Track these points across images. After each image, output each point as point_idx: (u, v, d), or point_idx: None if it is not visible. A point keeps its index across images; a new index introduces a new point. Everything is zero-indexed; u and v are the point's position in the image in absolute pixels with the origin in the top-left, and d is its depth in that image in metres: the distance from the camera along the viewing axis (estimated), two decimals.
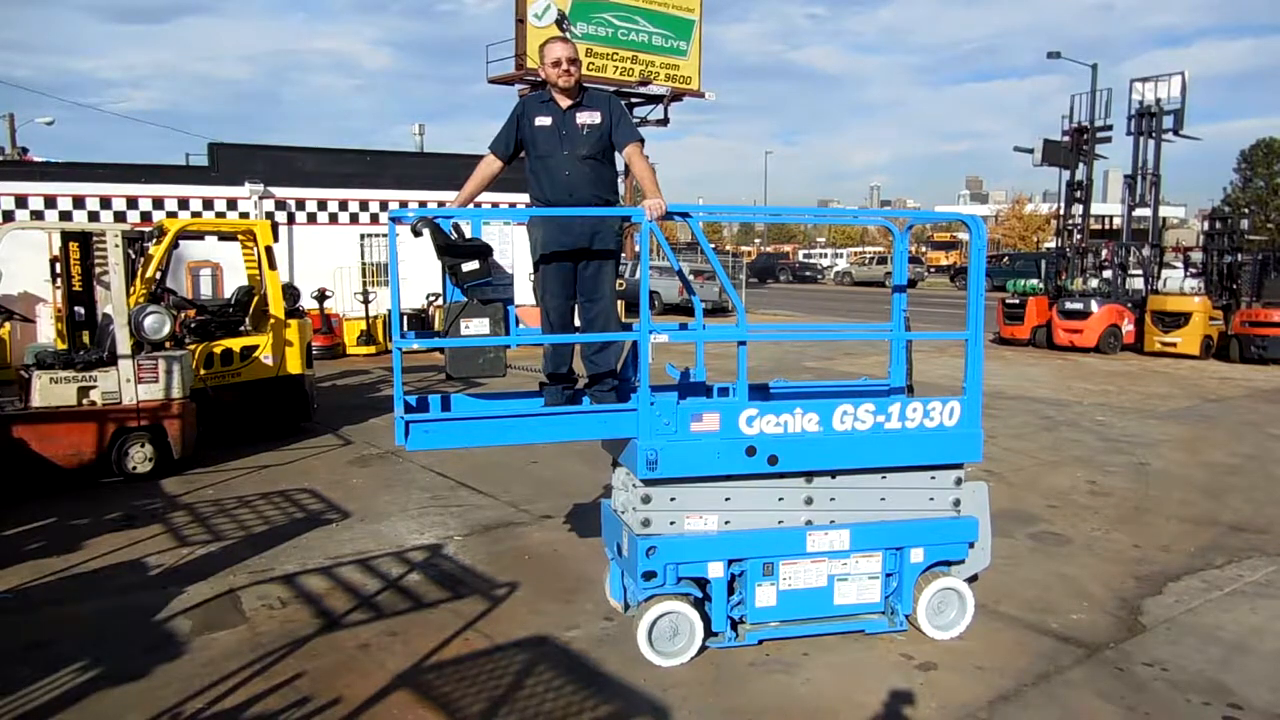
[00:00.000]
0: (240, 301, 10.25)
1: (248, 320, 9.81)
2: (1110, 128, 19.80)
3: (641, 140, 4.59)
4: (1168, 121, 18.87)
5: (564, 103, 4.48)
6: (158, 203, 16.47)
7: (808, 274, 51.20)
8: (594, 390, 4.61)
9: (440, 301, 4.88)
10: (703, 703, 3.91)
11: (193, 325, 9.59)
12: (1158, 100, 18.77)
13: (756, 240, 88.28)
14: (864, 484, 4.41)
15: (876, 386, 4.99)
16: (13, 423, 7.12)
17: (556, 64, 4.42)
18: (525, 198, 4.79)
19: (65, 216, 15.47)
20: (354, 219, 18.52)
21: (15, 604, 4.96)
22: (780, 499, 4.32)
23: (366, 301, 16.27)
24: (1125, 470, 8.09)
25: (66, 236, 7.61)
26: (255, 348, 9.22)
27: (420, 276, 11.33)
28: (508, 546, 5.93)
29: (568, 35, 4.94)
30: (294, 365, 9.36)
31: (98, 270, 7.98)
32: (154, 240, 9.15)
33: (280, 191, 17.61)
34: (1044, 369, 15.00)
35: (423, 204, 16.22)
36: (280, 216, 17.54)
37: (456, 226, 4.34)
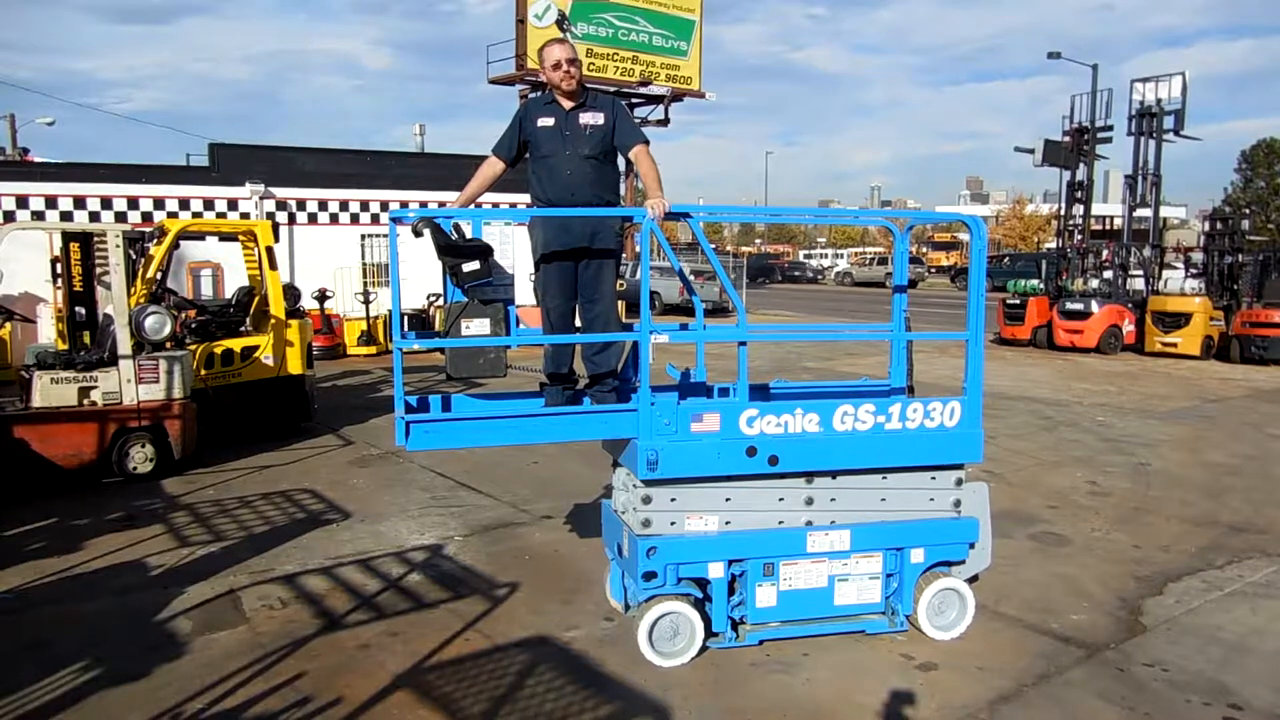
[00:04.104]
0: (241, 302, 10.25)
1: (248, 320, 9.81)
2: (1111, 128, 19.80)
3: (647, 141, 4.59)
4: (1168, 122, 18.87)
5: (567, 104, 4.50)
6: (158, 203, 16.48)
7: (796, 274, 51.13)
8: (594, 391, 4.62)
9: (441, 302, 4.88)
10: (703, 703, 3.91)
11: (193, 325, 9.58)
12: (1158, 100, 18.77)
13: (757, 240, 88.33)
14: (864, 484, 4.41)
15: (877, 387, 4.99)
16: (13, 423, 7.12)
17: (557, 66, 4.43)
18: (526, 198, 4.80)
19: (66, 217, 15.48)
20: (354, 219, 18.53)
21: (15, 604, 4.96)
22: (781, 499, 4.32)
23: (367, 302, 16.27)
24: (1125, 471, 8.09)
25: (67, 237, 7.62)
26: (256, 348, 9.23)
27: (421, 277, 11.32)
28: (508, 547, 5.93)
29: (567, 36, 4.95)
30: (294, 365, 9.36)
31: (98, 271, 7.98)
32: (155, 241, 9.15)
33: (281, 192, 17.63)
34: (1044, 369, 15.00)
35: (423, 204, 16.24)
36: (281, 217, 17.56)
37: (457, 227, 4.35)
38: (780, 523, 4.34)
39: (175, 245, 9.35)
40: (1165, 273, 20.14)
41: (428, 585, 5.27)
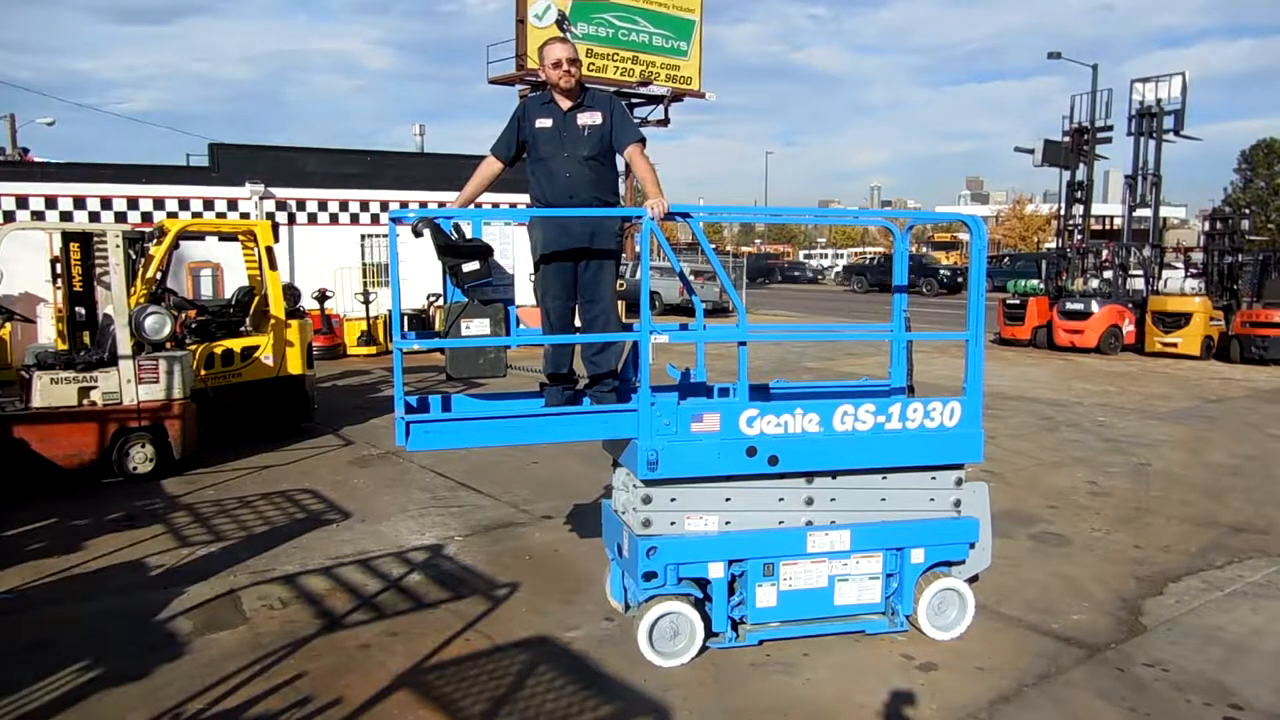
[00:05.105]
0: (241, 302, 10.25)
1: (248, 321, 9.82)
2: (1111, 128, 19.81)
3: (643, 140, 4.58)
4: (1168, 122, 18.88)
5: (565, 104, 4.49)
6: (158, 203, 16.49)
7: (795, 274, 51.05)
8: (594, 391, 4.61)
9: (441, 302, 4.88)
10: (703, 703, 3.91)
11: (193, 326, 9.59)
12: (1158, 100, 18.77)
13: (757, 240, 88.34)
14: (864, 484, 4.41)
15: (877, 387, 4.99)
16: (13, 423, 7.12)
17: (556, 65, 4.42)
18: (526, 198, 4.79)
19: (66, 217, 15.48)
20: (354, 219, 18.53)
21: (15, 604, 4.96)
22: (781, 499, 4.32)
23: (367, 302, 16.27)
24: (1126, 471, 8.09)
25: (67, 237, 7.62)
26: (256, 348, 9.23)
27: (421, 277, 11.35)
28: (508, 547, 5.93)
29: (567, 36, 4.95)
30: (294, 366, 9.36)
31: (98, 271, 7.98)
32: (154, 241, 9.15)
33: (281, 192, 17.63)
34: (1044, 369, 15.00)
35: (423, 204, 16.25)
36: (281, 217, 17.56)
37: (457, 227, 4.35)
38: (780, 523, 4.34)
39: (175, 245, 9.35)
40: (1165, 273, 20.15)
41: (428, 585, 5.27)
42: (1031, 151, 20.22)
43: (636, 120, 4.74)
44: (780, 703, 3.91)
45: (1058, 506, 6.93)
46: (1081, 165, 19.62)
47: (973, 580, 4.68)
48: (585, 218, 4.43)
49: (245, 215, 16.90)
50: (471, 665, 4.23)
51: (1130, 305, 17.60)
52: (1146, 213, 19.63)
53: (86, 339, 7.75)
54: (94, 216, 15.73)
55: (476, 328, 4.15)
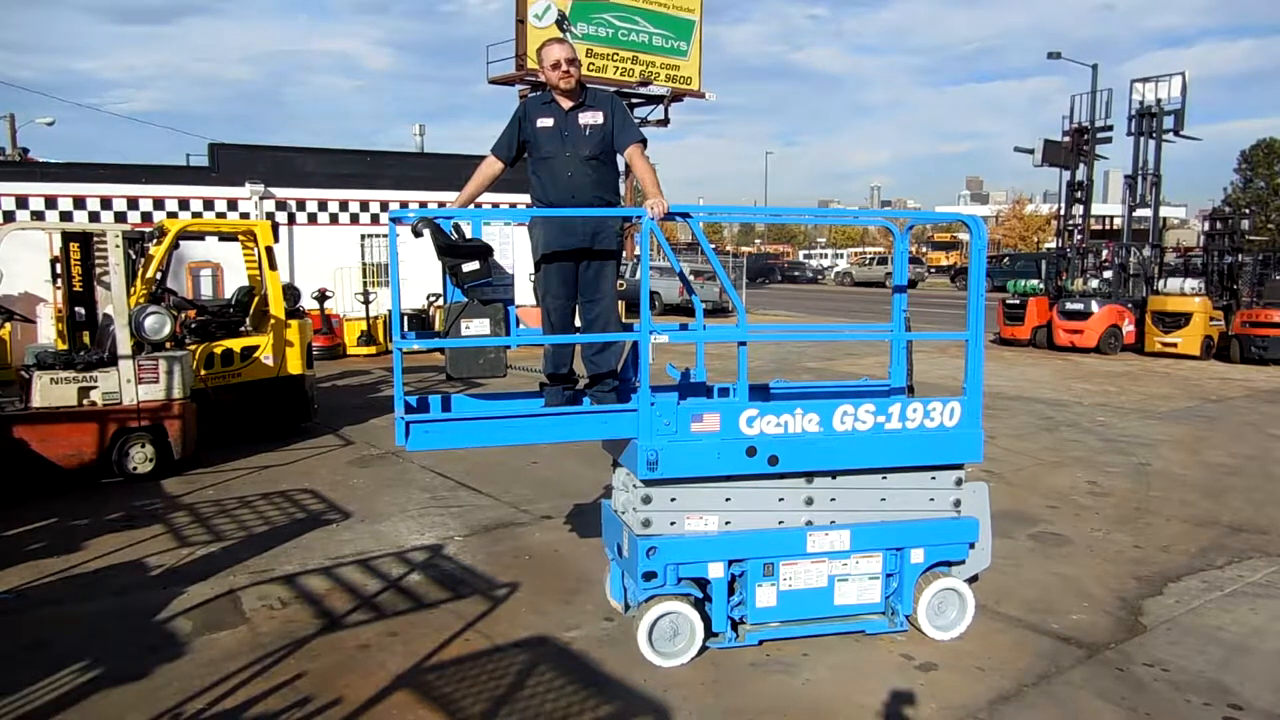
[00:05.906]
0: (240, 302, 10.25)
1: (248, 321, 9.82)
2: (1111, 128, 19.83)
3: (644, 140, 4.59)
4: (1168, 122, 18.91)
5: (566, 104, 4.48)
6: (158, 203, 16.49)
7: (795, 274, 51.02)
8: (594, 391, 4.61)
9: (441, 302, 4.88)
10: (703, 703, 3.91)
11: (193, 326, 9.59)
12: (1158, 100, 18.80)
13: (757, 240, 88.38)
14: (864, 484, 4.41)
15: (877, 387, 4.99)
16: (13, 423, 7.12)
17: (555, 66, 4.42)
18: (526, 198, 4.79)
19: (66, 217, 15.49)
20: (354, 219, 18.54)
21: (15, 604, 4.96)
22: (780, 499, 4.32)
23: (367, 302, 16.27)
24: (1126, 471, 8.09)
25: (67, 237, 7.61)
26: (255, 348, 9.23)
27: (421, 277, 11.35)
28: (508, 547, 5.93)
29: (567, 36, 4.95)
30: (294, 366, 9.36)
31: (98, 271, 7.97)
32: (154, 241, 9.15)
33: (281, 192, 17.63)
34: (1044, 369, 15.00)
35: (423, 204, 16.24)
36: (281, 217, 17.57)
37: (457, 227, 4.34)
38: (780, 523, 4.34)
39: (175, 245, 9.35)
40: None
41: (428, 585, 5.27)
42: (1031, 151, 20.23)
43: (636, 120, 4.76)
44: (780, 703, 3.91)
45: (1058, 506, 6.93)
46: (1081, 165, 19.64)
47: (972, 580, 4.68)
48: (587, 217, 4.43)
49: (245, 215, 16.91)
50: (471, 665, 4.23)
51: (1130, 305, 17.61)
52: (1146, 213, 19.65)
53: (86, 339, 7.75)
54: (94, 216, 15.73)
55: (476, 328, 4.15)
